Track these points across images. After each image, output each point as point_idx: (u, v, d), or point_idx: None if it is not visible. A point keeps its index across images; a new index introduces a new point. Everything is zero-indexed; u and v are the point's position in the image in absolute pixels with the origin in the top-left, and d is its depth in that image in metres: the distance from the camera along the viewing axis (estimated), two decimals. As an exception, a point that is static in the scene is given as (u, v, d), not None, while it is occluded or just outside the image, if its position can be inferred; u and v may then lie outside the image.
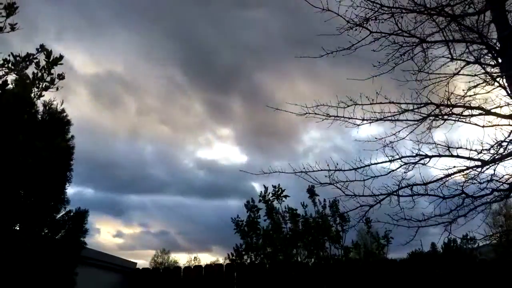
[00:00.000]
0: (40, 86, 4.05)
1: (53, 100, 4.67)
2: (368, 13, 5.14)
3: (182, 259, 42.45)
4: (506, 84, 5.15)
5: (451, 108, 5.06)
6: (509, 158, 4.78)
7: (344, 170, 4.94)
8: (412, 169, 4.96)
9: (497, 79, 5.31)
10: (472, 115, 5.05)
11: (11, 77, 3.99)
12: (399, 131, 5.19)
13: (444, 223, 4.74)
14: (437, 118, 5.11)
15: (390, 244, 7.17)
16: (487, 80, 5.38)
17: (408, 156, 5.00)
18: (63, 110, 4.71)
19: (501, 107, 4.98)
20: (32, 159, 3.74)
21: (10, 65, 3.86)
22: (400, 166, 4.98)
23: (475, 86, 5.38)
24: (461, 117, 5.07)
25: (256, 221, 7.44)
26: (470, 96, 5.28)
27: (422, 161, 4.98)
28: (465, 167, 4.83)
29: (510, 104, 4.98)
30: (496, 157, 4.76)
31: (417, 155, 4.99)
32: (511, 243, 8.51)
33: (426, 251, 8.18)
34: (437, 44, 5.40)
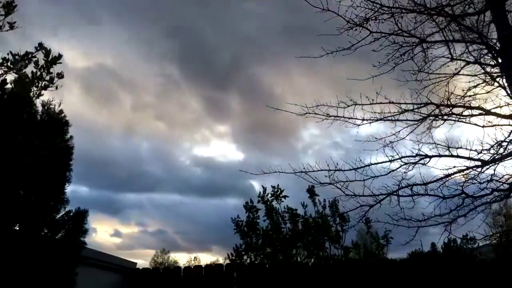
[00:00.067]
0: (40, 85, 4.04)
1: (52, 100, 4.66)
2: (368, 13, 5.14)
3: (182, 259, 42.34)
4: (506, 84, 5.15)
5: (451, 108, 5.06)
6: (509, 158, 4.77)
7: (344, 170, 4.94)
8: (412, 169, 4.97)
9: (497, 79, 5.31)
10: (472, 115, 5.05)
11: (10, 76, 3.99)
12: (399, 131, 5.19)
13: (444, 223, 4.74)
14: (437, 118, 5.11)
15: (390, 244, 7.18)
16: (487, 80, 5.39)
17: (408, 156, 5.00)
18: (61, 111, 4.70)
19: (501, 107, 4.99)
20: (31, 159, 3.73)
21: (9, 63, 3.86)
22: (400, 166, 4.98)
23: (475, 86, 5.39)
24: (461, 117, 5.07)
25: (255, 222, 7.44)
26: (470, 96, 5.28)
27: (422, 161, 4.98)
28: (465, 167, 4.83)
29: (510, 104, 4.98)
30: (496, 157, 4.76)
31: (417, 155, 4.99)
32: (511, 243, 8.51)
33: (426, 251, 8.18)
34: (437, 44, 5.40)
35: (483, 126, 4.99)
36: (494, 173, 4.72)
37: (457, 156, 4.87)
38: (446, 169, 4.85)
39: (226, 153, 41.80)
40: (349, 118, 5.20)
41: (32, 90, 4.08)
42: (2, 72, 3.88)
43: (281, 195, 7.54)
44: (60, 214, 4.51)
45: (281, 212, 7.49)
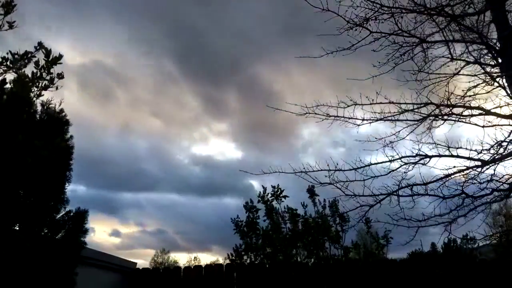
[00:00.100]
0: (40, 85, 4.04)
1: (51, 100, 4.66)
2: (368, 13, 5.14)
3: (182, 259, 42.23)
4: (506, 84, 5.15)
5: (451, 108, 5.06)
6: (509, 158, 4.77)
7: (344, 170, 4.94)
8: (412, 169, 4.96)
9: (497, 79, 5.31)
10: (472, 115, 5.05)
11: (9, 76, 3.99)
12: (399, 131, 5.19)
13: (444, 223, 4.74)
14: (437, 118, 5.11)
15: (390, 244, 7.18)
16: (487, 80, 5.39)
17: (408, 156, 5.00)
18: (61, 110, 4.69)
19: (501, 107, 4.98)
20: (31, 159, 3.73)
21: (8, 63, 3.86)
22: (400, 166, 4.98)
23: (475, 86, 5.39)
24: (461, 117, 5.07)
25: (255, 222, 7.43)
26: (470, 96, 5.29)
27: (422, 161, 4.98)
28: (465, 167, 4.83)
29: (510, 104, 4.98)
30: (496, 157, 4.76)
31: (417, 155, 4.99)
32: (511, 243, 8.51)
33: (426, 251, 8.18)
34: (437, 44, 5.40)
35: (483, 126, 4.99)
36: (494, 173, 4.72)
37: (457, 156, 4.87)
38: (446, 169, 4.86)
39: (224, 152, 41.32)
40: (349, 118, 5.21)
41: (33, 90, 4.08)
42: (2, 71, 3.88)
43: (281, 195, 7.54)
44: (60, 214, 4.51)
45: (281, 212, 7.49)
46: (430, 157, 4.96)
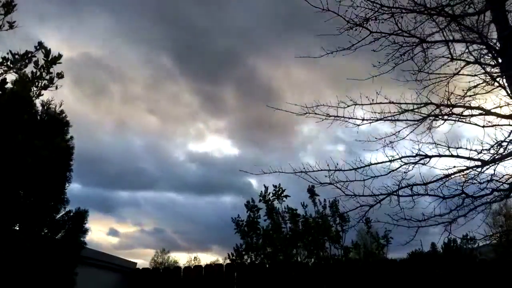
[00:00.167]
0: (39, 85, 4.04)
1: (52, 100, 4.66)
2: (368, 13, 5.13)
3: (182, 258, 42.03)
4: (506, 84, 5.15)
5: (451, 108, 5.06)
6: (509, 158, 4.77)
7: (344, 170, 4.94)
8: (412, 169, 4.96)
9: (497, 79, 5.31)
10: (472, 115, 5.05)
11: (9, 76, 3.99)
12: (399, 131, 5.19)
13: (444, 223, 4.74)
14: (437, 118, 5.11)
15: (390, 244, 7.18)
16: (487, 80, 5.39)
17: (408, 156, 5.00)
18: (62, 111, 4.70)
19: (501, 107, 4.98)
20: (31, 159, 3.73)
21: (8, 63, 3.86)
22: (400, 166, 4.98)
23: (475, 86, 5.39)
24: (461, 117, 5.07)
25: (256, 221, 7.43)
26: (470, 96, 5.29)
27: (422, 161, 4.98)
28: (465, 167, 4.83)
29: (510, 104, 4.98)
30: (496, 157, 4.76)
31: (417, 155, 4.99)
32: (511, 243, 8.51)
33: (426, 251, 8.17)
34: (437, 44, 5.40)
35: (483, 126, 4.99)
36: (494, 173, 4.72)
37: (457, 156, 4.87)
38: (446, 169, 4.86)
39: (221, 149, 40.66)
40: (349, 118, 5.21)
41: (32, 90, 4.08)
42: (2, 71, 3.88)
43: (282, 195, 7.54)
44: (60, 214, 4.52)
45: (281, 212, 7.49)
46: (430, 157, 4.96)
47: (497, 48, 5.22)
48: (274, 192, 7.54)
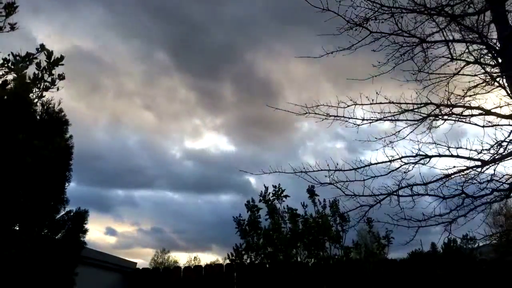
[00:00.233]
0: (41, 86, 4.04)
1: (51, 100, 4.66)
2: (368, 13, 5.15)
3: (182, 258, 41.94)
4: (506, 84, 5.15)
5: (451, 108, 5.06)
6: (509, 158, 4.77)
7: (344, 170, 4.94)
8: (412, 169, 4.96)
9: (497, 79, 5.32)
10: (472, 115, 5.05)
11: (10, 77, 3.99)
12: (399, 131, 5.20)
13: (444, 223, 4.74)
14: (437, 118, 5.12)
15: (391, 244, 7.18)
16: (487, 80, 5.39)
17: (408, 156, 5.00)
18: (61, 110, 4.70)
19: (501, 107, 4.99)
20: (31, 158, 3.73)
21: (9, 64, 3.86)
22: (400, 166, 4.98)
23: (475, 86, 5.39)
24: (461, 117, 5.07)
25: (257, 221, 7.44)
26: (470, 96, 5.29)
27: (422, 161, 4.98)
28: (465, 167, 4.83)
29: (510, 104, 4.98)
30: (496, 157, 4.76)
31: (417, 155, 4.99)
32: (511, 243, 8.51)
33: (426, 251, 8.18)
34: (437, 44, 5.41)
35: (483, 126, 4.99)
36: (494, 173, 4.72)
37: (457, 156, 4.87)
38: (446, 169, 4.86)
39: (219, 146, 39.87)
40: (349, 118, 5.22)
41: (34, 91, 4.08)
42: (3, 72, 3.88)
43: (282, 195, 7.54)
44: (60, 214, 4.52)
45: (281, 212, 7.49)
46: (430, 157, 4.96)
47: (497, 48, 5.22)
48: (274, 192, 7.54)
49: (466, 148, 4.82)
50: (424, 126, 5.17)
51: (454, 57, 5.45)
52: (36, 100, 4.18)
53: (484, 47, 5.41)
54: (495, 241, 8.01)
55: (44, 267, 4.01)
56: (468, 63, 5.42)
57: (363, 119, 5.19)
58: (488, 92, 5.35)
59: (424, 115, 5.08)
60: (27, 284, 3.84)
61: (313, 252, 7.20)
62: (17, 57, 3.88)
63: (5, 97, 3.87)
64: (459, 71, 5.45)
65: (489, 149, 4.80)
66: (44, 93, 4.11)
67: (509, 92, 5.05)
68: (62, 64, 4.01)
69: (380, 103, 5.10)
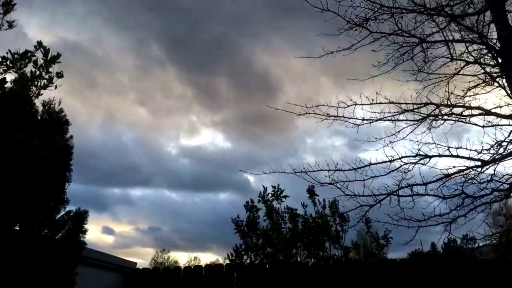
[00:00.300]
0: (39, 84, 4.04)
1: (53, 100, 4.67)
2: (368, 13, 5.15)
3: (182, 258, 41.72)
4: (506, 84, 5.15)
5: (451, 108, 5.06)
6: (509, 158, 4.77)
7: (344, 170, 4.93)
8: (412, 169, 4.96)
9: (497, 79, 5.31)
10: (472, 115, 5.04)
11: (9, 75, 3.99)
12: (399, 131, 5.19)
13: (444, 223, 4.73)
14: (437, 118, 5.11)
15: (390, 244, 7.18)
16: (487, 80, 5.39)
17: (408, 156, 5.00)
18: (61, 110, 4.70)
19: (501, 107, 4.98)
20: (31, 158, 3.73)
21: (8, 62, 3.86)
22: (400, 166, 4.97)
23: (475, 86, 5.39)
24: (461, 117, 5.06)
25: (256, 222, 7.43)
26: (470, 96, 5.29)
27: (422, 161, 4.98)
28: (465, 167, 4.83)
29: (510, 104, 4.98)
30: (496, 157, 4.75)
31: (417, 155, 4.98)
32: (511, 243, 8.51)
33: (426, 251, 8.18)
34: (437, 44, 5.40)
35: (483, 126, 4.98)
36: (494, 173, 4.71)
37: (457, 156, 4.86)
38: (446, 169, 4.85)
39: (216, 143, 38.75)
40: (349, 118, 5.21)
41: (32, 89, 4.08)
42: (1, 71, 3.88)
43: (281, 195, 7.54)
44: (60, 214, 4.52)
45: (281, 212, 7.49)
46: (430, 157, 4.96)
47: (497, 48, 5.22)
48: (273, 192, 7.54)
49: (466, 148, 4.82)
50: (424, 126, 5.17)
51: (454, 57, 5.44)
52: (34, 98, 4.18)
53: (484, 47, 5.40)
54: (495, 241, 8.00)
55: (44, 267, 4.00)
56: (468, 63, 5.42)
57: (363, 119, 5.19)
58: (488, 92, 5.35)
59: (424, 115, 5.08)
60: (27, 284, 3.84)
61: (312, 252, 7.20)
62: (15, 55, 3.88)
63: (4, 95, 3.87)
64: (459, 71, 5.45)
65: (489, 149, 4.80)
66: (42, 91, 4.11)
67: (509, 92, 5.04)
68: (59, 62, 4.01)
69: (380, 103, 5.10)
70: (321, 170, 4.95)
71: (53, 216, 4.46)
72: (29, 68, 4.01)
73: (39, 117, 4.54)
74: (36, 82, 4.01)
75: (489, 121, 4.98)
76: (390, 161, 4.98)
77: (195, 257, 35.56)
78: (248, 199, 7.65)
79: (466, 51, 5.47)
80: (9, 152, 3.71)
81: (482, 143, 4.80)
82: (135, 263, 7.70)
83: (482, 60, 5.44)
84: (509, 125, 4.89)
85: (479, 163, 4.78)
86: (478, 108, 5.03)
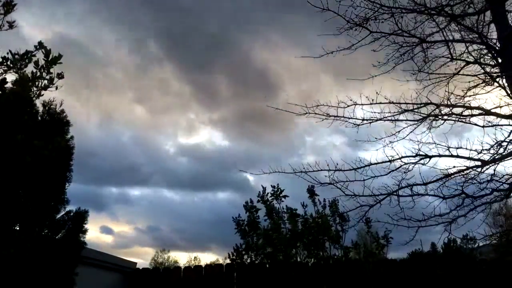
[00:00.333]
0: (39, 85, 4.04)
1: (53, 101, 4.67)
2: (368, 13, 5.15)
3: (182, 258, 41.61)
4: (506, 84, 5.15)
5: (451, 108, 5.06)
6: (509, 158, 4.77)
7: (344, 170, 4.94)
8: (412, 169, 4.96)
9: (497, 79, 5.31)
10: (472, 115, 5.05)
11: (9, 76, 3.99)
12: (399, 131, 5.19)
13: (444, 223, 4.74)
14: (437, 118, 5.11)
15: (390, 244, 7.17)
16: (487, 80, 5.39)
17: (408, 156, 5.00)
18: (62, 111, 4.71)
19: (501, 107, 4.98)
20: (31, 158, 3.73)
21: (8, 63, 3.86)
22: (400, 166, 4.97)
23: (475, 86, 5.39)
24: (461, 117, 5.06)
25: (256, 221, 7.43)
26: (470, 96, 5.29)
27: (422, 161, 4.98)
28: (465, 167, 4.83)
29: (510, 104, 4.98)
30: (496, 157, 4.76)
31: (417, 155, 4.98)
32: (511, 243, 8.51)
33: (426, 251, 8.18)
34: (437, 44, 5.40)
35: (483, 126, 4.99)
36: (494, 173, 4.71)
37: (457, 156, 4.86)
38: (446, 169, 4.86)
39: (214, 141, 38.13)
40: (349, 118, 5.21)
41: (32, 90, 4.08)
42: (2, 71, 3.88)
43: (281, 195, 7.53)
44: (60, 214, 4.52)
45: (280, 212, 7.49)
46: (430, 157, 4.96)
47: (497, 48, 5.22)
48: (272, 192, 7.53)
49: (466, 148, 4.82)
50: (424, 126, 5.17)
51: (454, 57, 5.45)
52: (35, 99, 4.18)
53: (484, 47, 5.41)
54: (495, 241, 8.00)
55: (44, 267, 4.01)
56: (468, 63, 5.42)
57: (363, 119, 5.19)
58: (488, 92, 5.35)
59: (424, 115, 5.08)
60: (27, 284, 3.84)
61: (312, 252, 7.20)
62: (16, 56, 3.88)
63: (5, 96, 3.87)
64: (459, 71, 5.45)
65: (489, 149, 4.80)
66: (43, 92, 4.12)
67: (509, 92, 5.05)
68: (60, 63, 4.01)
69: (380, 103, 5.10)
70: (321, 170, 4.95)
71: (53, 216, 4.46)
72: (30, 69, 4.02)
73: (39, 118, 4.55)
74: (37, 83, 4.01)
75: (489, 121, 4.99)
76: (390, 161, 4.99)
77: (195, 257, 35.55)
78: (248, 199, 7.64)
79: (466, 51, 5.48)
80: (10, 152, 3.71)
81: (482, 143, 4.81)
82: (135, 263, 7.71)
83: (482, 60, 5.45)
84: (509, 125, 4.89)
85: (479, 163, 4.78)
86: (478, 108, 5.03)
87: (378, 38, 5.25)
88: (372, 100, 5.09)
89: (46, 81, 4.04)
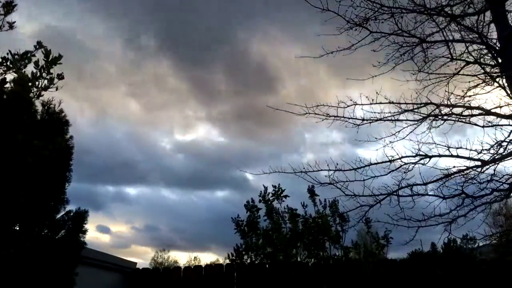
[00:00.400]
0: (39, 85, 4.04)
1: (52, 100, 4.66)
2: (368, 13, 5.15)
3: (182, 258, 41.42)
4: (506, 84, 5.15)
5: (451, 108, 5.06)
6: (509, 158, 4.77)
7: (344, 170, 4.93)
8: (412, 169, 4.96)
9: (497, 79, 5.31)
10: (472, 115, 5.04)
11: (9, 76, 3.99)
12: (399, 131, 5.19)
13: (444, 223, 4.74)
14: (437, 118, 5.11)
15: (390, 244, 7.18)
16: (487, 80, 5.39)
17: (408, 156, 5.00)
18: (61, 110, 4.70)
19: (501, 107, 4.98)
20: (31, 158, 3.73)
21: (8, 63, 3.86)
22: (400, 166, 4.97)
23: (475, 86, 5.38)
24: (461, 117, 5.06)
25: (256, 221, 7.44)
26: (470, 96, 5.29)
27: (422, 161, 4.98)
28: (465, 167, 4.83)
29: (510, 104, 4.98)
30: (496, 157, 4.75)
31: (417, 155, 4.98)
32: (511, 243, 8.51)
33: (426, 251, 8.18)
34: (437, 44, 5.40)
35: (483, 126, 4.98)
36: (494, 173, 4.71)
37: (457, 156, 4.86)
38: (446, 169, 4.85)
39: (212, 138, 37.57)
40: (349, 118, 5.21)
41: (32, 90, 4.08)
42: (2, 71, 3.88)
43: (282, 195, 7.54)
44: (60, 214, 4.52)
45: (281, 212, 7.50)
46: (430, 157, 4.96)
47: (497, 48, 5.21)
48: (273, 192, 7.54)
49: (466, 148, 4.82)
50: (424, 126, 5.17)
51: (454, 57, 5.44)
52: (34, 99, 4.18)
53: (484, 47, 5.40)
54: (495, 241, 7.99)
55: (44, 267, 4.00)
56: (468, 63, 5.42)
57: (363, 119, 5.19)
58: (488, 92, 5.35)
59: (424, 115, 5.07)
60: (27, 284, 3.84)
61: (313, 252, 7.20)
62: (16, 56, 3.88)
63: (4, 96, 3.87)
64: (459, 71, 5.45)
65: (489, 149, 4.80)
66: (43, 93, 4.12)
67: (509, 92, 5.04)
68: (60, 63, 4.01)
69: (380, 103, 5.10)
70: (321, 170, 4.95)
71: (53, 216, 4.46)
72: (29, 69, 4.02)
73: (38, 117, 4.54)
74: (37, 83, 4.01)
75: (489, 121, 4.98)
76: (390, 161, 4.98)
77: (195, 257, 35.45)
78: (248, 198, 7.68)
79: (466, 51, 5.47)
80: (10, 152, 3.71)
81: (482, 143, 4.81)
82: (135, 263, 7.71)
83: (482, 60, 5.44)
84: (509, 125, 4.89)
85: (479, 163, 4.78)
86: (478, 108, 5.03)
87: (378, 38, 5.25)
88: (372, 100, 5.10)
89: (46, 82, 4.05)
